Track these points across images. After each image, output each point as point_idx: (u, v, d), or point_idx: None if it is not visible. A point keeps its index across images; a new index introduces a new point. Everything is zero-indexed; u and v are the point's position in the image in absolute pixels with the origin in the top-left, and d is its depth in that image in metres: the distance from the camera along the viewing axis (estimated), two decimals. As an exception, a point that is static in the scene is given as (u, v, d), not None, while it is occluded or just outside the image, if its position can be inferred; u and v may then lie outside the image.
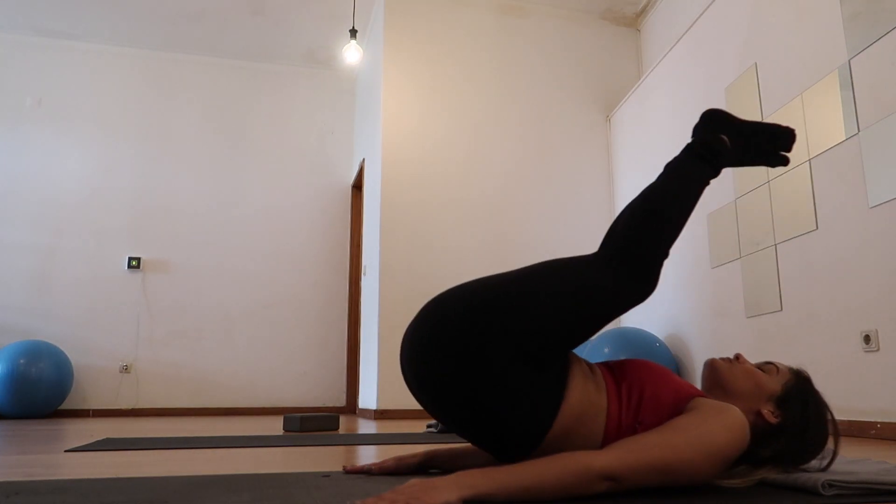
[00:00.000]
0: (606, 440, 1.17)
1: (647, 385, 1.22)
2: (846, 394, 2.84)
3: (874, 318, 2.71)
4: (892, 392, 2.61)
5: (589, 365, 1.27)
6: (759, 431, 1.22)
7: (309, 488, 1.23)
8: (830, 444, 1.25)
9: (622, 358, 4.05)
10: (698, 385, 3.45)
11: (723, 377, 1.28)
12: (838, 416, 2.86)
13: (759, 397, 1.25)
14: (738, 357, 1.31)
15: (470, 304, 1.18)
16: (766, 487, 1.23)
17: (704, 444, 1.10)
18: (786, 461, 1.22)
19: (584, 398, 1.17)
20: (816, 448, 1.23)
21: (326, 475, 1.42)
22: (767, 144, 1.49)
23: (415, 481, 1.02)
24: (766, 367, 1.29)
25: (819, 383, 2.98)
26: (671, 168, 1.38)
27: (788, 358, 3.20)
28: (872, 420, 2.68)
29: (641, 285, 1.24)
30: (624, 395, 1.21)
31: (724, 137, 1.45)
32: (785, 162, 1.51)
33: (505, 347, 1.14)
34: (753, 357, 3.47)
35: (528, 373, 1.14)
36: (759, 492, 1.18)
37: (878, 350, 2.69)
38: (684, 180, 1.36)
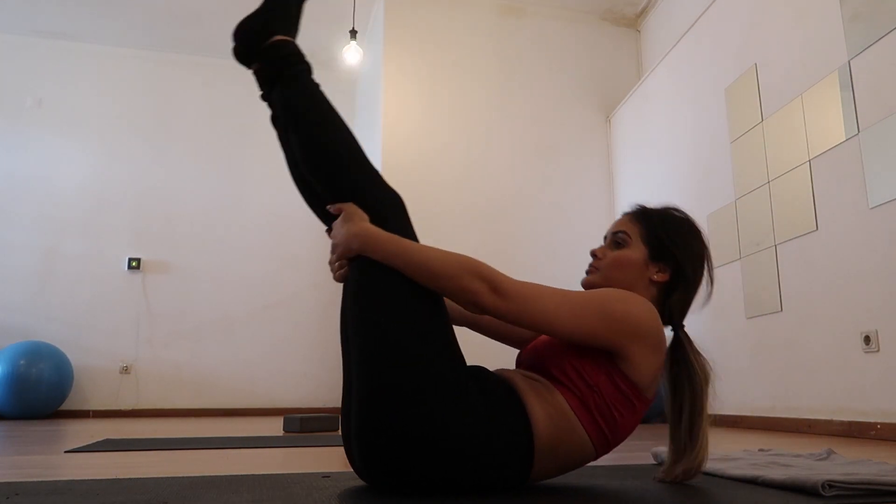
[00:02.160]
0: (587, 425, 1.13)
1: (562, 347, 1.18)
2: (846, 394, 2.84)
3: (874, 319, 2.71)
4: (892, 393, 2.61)
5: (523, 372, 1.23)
6: (667, 290, 1.25)
7: (309, 489, 1.23)
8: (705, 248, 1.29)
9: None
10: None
11: (602, 284, 1.26)
12: (838, 417, 2.86)
13: (640, 271, 1.25)
14: (594, 255, 1.30)
15: (379, 384, 1.07)
16: (765, 488, 1.23)
17: (597, 295, 1.13)
18: (690, 286, 1.25)
19: (545, 408, 1.12)
20: (701, 251, 1.27)
21: (327, 476, 1.42)
22: None
23: (336, 231, 1.18)
24: (620, 237, 1.28)
25: (819, 384, 2.99)
26: (290, 109, 1.28)
27: (788, 358, 3.20)
28: (872, 421, 2.68)
29: (382, 198, 1.22)
30: (568, 375, 1.15)
31: (278, 37, 1.33)
32: None
33: (441, 391, 1.06)
34: (753, 357, 3.47)
35: (482, 414, 1.08)
36: (759, 492, 1.18)
37: (878, 351, 2.68)
38: (309, 101, 1.28)
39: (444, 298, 1.19)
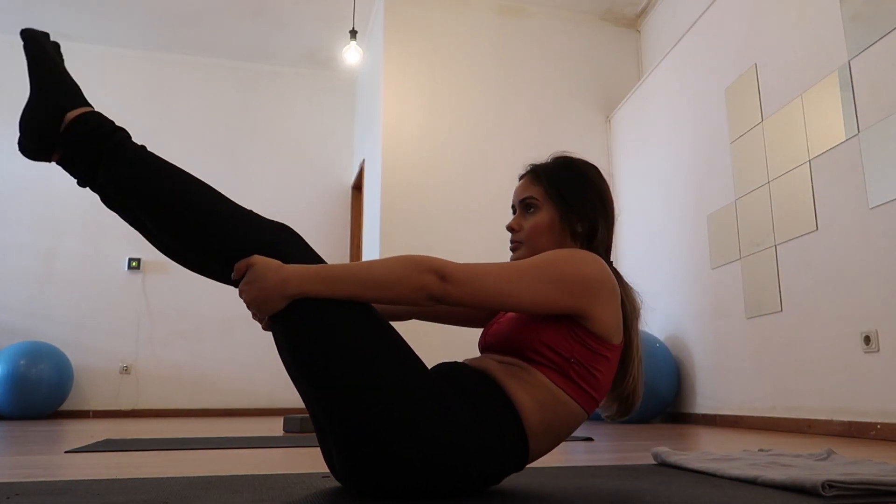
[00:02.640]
0: (574, 395, 1.12)
1: (525, 321, 1.17)
2: (846, 394, 2.84)
3: (874, 319, 2.71)
4: (893, 393, 2.61)
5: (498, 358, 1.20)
6: (590, 236, 1.26)
7: (309, 489, 1.23)
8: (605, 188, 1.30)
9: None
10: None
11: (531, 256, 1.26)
12: (838, 417, 2.86)
13: (561, 230, 1.26)
14: (512, 229, 1.29)
15: (367, 427, 1.02)
16: (765, 488, 1.23)
17: (545, 261, 1.12)
18: (607, 223, 1.27)
19: (530, 391, 1.11)
20: (602, 186, 1.29)
21: (327, 476, 1.42)
22: (53, 80, 1.26)
23: (255, 287, 1.03)
24: (529, 202, 1.28)
25: (819, 384, 2.99)
26: (129, 188, 1.12)
27: (788, 358, 3.20)
28: (873, 421, 2.68)
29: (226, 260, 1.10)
30: (543, 354, 1.13)
31: (73, 113, 1.18)
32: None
33: (418, 408, 1.03)
34: (753, 357, 3.47)
35: (467, 417, 1.07)
36: (759, 492, 1.18)
37: (878, 351, 2.69)
38: (147, 172, 1.12)
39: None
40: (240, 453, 2.08)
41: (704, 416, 3.89)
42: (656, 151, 4.63)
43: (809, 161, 3.11)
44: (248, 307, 1.07)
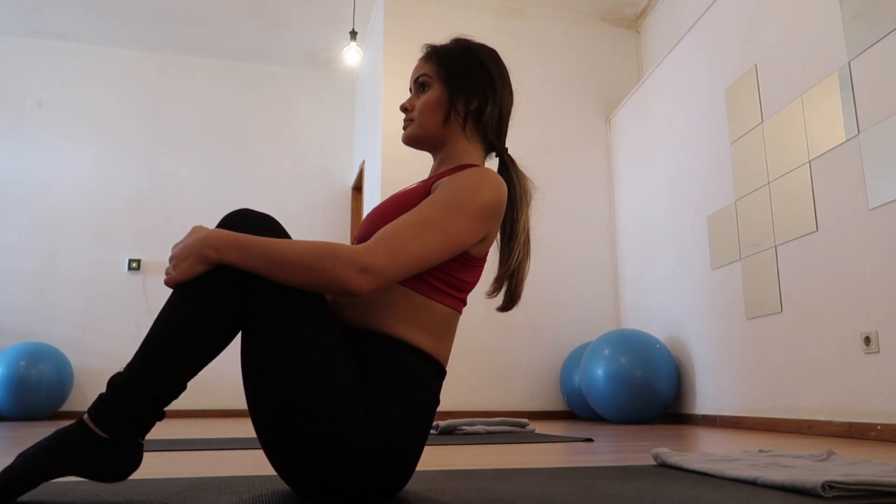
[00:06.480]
0: (435, 297, 1.12)
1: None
2: (846, 395, 2.84)
3: (874, 320, 2.71)
4: (893, 394, 2.61)
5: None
6: (479, 115, 1.28)
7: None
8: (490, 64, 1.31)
9: (620, 356, 4.00)
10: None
11: (419, 135, 1.27)
12: (838, 418, 2.86)
13: (449, 107, 1.25)
14: (405, 108, 1.29)
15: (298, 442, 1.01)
16: (765, 489, 1.23)
17: (448, 204, 1.09)
18: (495, 101, 1.29)
19: (402, 318, 1.09)
20: (489, 65, 1.31)
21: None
22: None
23: (181, 244, 1.01)
24: (422, 80, 1.28)
25: (819, 384, 2.99)
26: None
27: (788, 359, 3.20)
28: (873, 422, 2.68)
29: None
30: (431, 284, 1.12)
31: None
32: None
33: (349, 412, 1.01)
34: (753, 358, 3.47)
35: (388, 389, 1.05)
36: (759, 493, 1.18)
37: (878, 352, 2.69)
38: None
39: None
40: (240, 454, 2.08)
41: (704, 416, 3.89)
42: (656, 152, 4.64)
43: (809, 162, 3.11)
44: (169, 262, 1.03)
